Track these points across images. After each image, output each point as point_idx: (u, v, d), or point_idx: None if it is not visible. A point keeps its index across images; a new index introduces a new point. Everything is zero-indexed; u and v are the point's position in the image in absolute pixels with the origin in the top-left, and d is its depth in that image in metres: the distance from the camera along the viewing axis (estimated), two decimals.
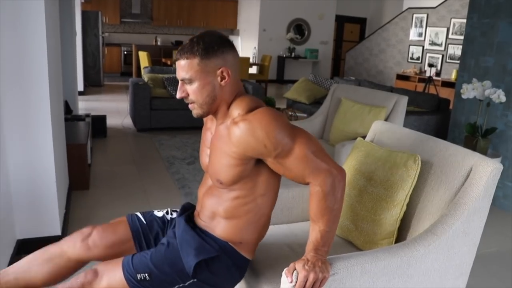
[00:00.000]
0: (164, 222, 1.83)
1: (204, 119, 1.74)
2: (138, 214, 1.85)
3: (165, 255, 1.61)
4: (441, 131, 5.55)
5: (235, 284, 1.71)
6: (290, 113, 5.95)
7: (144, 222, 1.81)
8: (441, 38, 10.50)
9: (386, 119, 3.72)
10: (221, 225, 1.63)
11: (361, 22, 14.73)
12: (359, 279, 1.50)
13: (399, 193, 1.80)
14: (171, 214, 1.85)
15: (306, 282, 1.38)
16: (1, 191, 2.40)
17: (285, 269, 1.43)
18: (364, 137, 2.25)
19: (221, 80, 1.52)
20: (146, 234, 1.80)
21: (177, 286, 1.60)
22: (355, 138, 2.49)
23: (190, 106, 1.58)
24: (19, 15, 2.41)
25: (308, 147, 1.48)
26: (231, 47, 1.55)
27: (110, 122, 6.37)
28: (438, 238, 1.61)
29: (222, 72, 1.51)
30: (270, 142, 1.45)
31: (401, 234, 1.87)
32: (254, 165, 1.55)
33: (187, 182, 4.21)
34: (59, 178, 2.88)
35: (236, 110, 1.53)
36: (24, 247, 2.73)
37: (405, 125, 3.93)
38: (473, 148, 3.82)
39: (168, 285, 1.59)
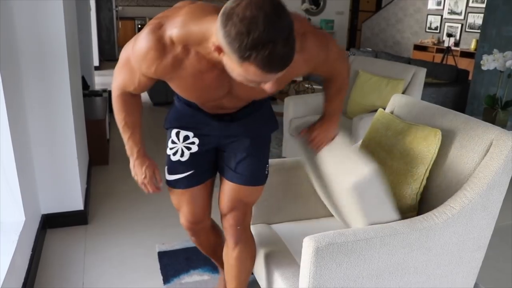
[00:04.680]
0: None
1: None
2: None
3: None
4: (459, 103, 5.47)
5: None
6: (306, 85, 5.90)
7: None
8: (461, 7, 10.22)
9: (403, 92, 3.68)
10: None
11: None
12: (378, 251, 1.53)
13: (419, 167, 1.80)
14: None
15: None
16: (25, 168, 2.46)
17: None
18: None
19: None
20: None
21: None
22: (373, 111, 2.47)
23: None
24: None
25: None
26: None
27: None
28: (457, 211, 1.62)
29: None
30: None
31: (422, 208, 1.88)
32: None
33: None
34: (80, 154, 2.93)
35: None
36: (49, 221, 2.81)
37: (422, 97, 3.89)
38: (492, 120, 3.77)
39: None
